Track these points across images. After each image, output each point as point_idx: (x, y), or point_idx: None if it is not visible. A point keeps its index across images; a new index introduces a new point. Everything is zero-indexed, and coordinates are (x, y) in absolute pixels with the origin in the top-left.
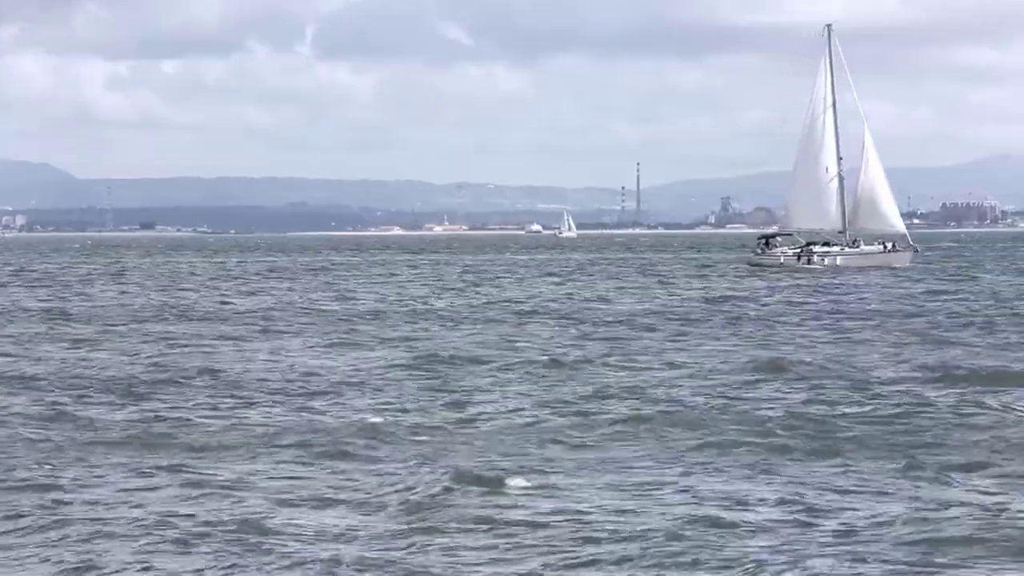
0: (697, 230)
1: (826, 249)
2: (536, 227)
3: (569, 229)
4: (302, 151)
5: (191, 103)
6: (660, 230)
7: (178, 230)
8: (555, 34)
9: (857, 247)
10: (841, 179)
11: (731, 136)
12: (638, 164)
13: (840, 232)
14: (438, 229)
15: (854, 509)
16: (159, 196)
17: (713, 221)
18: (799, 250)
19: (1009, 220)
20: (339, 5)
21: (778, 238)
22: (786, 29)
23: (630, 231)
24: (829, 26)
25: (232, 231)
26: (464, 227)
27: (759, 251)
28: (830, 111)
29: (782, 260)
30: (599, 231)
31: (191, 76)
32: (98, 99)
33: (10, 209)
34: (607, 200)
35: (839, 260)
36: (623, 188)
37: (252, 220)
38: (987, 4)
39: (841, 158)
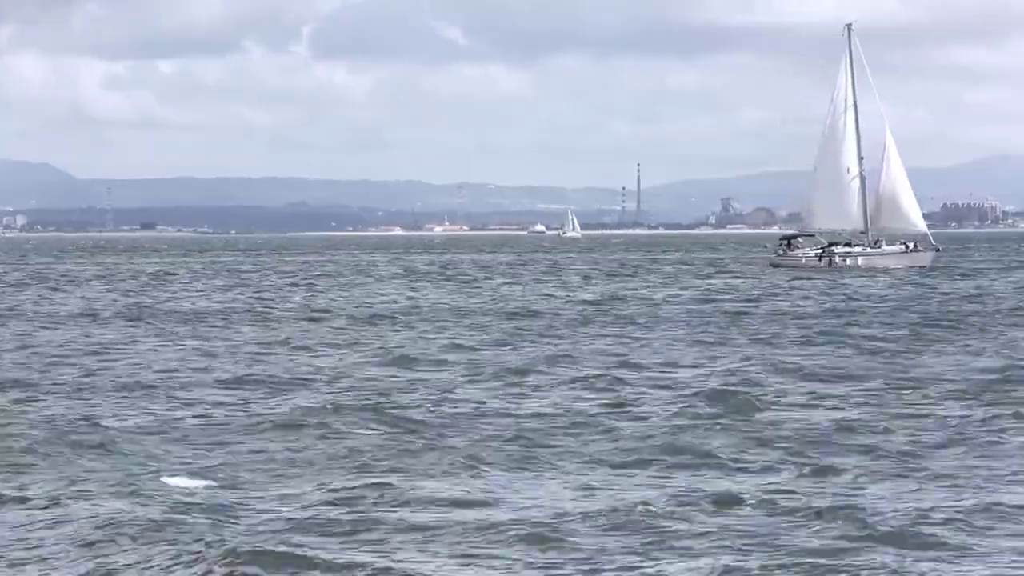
0: (698, 230)
1: (848, 249)
2: (540, 227)
3: (573, 229)
4: (302, 151)
5: (191, 103)
6: (661, 230)
7: (178, 230)
8: (554, 34)
9: (879, 247)
10: (863, 179)
11: (731, 136)
12: (638, 164)
13: (862, 232)
14: (438, 229)
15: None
16: (159, 196)
17: (714, 221)
18: (821, 250)
19: (1010, 220)
20: (337, 5)
21: (800, 238)
22: (786, 30)
23: (631, 231)
24: (849, 25)
25: (232, 231)
26: (465, 227)
27: (780, 251)
28: (851, 111)
29: (803, 260)
30: (599, 231)
31: (191, 76)
32: (98, 99)
33: (10, 209)
34: (607, 200)
35: (861, 260)
36: (623, 188)
37: (252, 220)
38: (986, 4)
39: (863, 158)
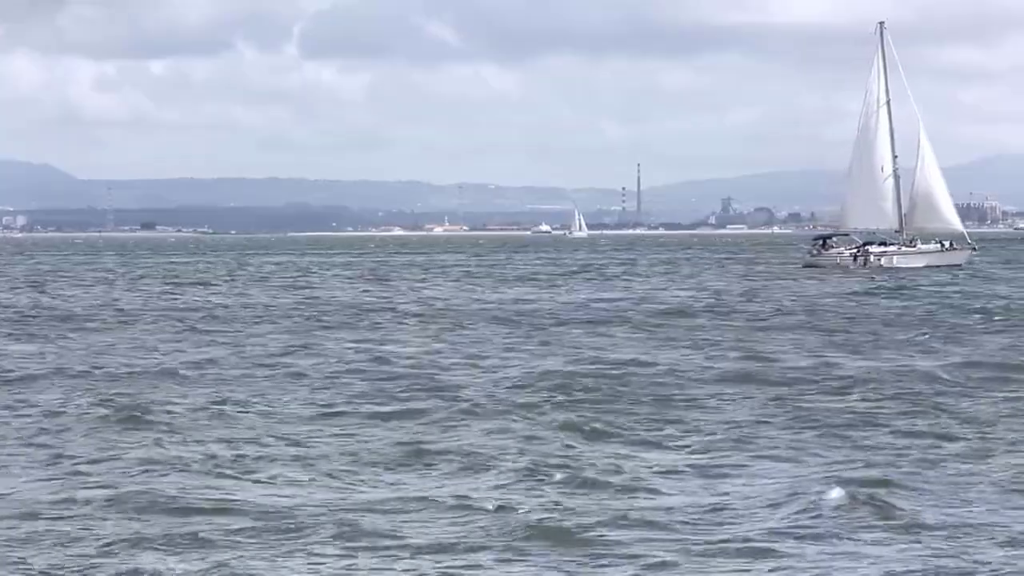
0: (698, 231)
1: (883, 249)
2: (545, 227)
3: (580, 229)
4: (303, 152)
5: (192, 104)
6: (661, 231)
7: (178, 230)
8: (551, 33)
9: (914, 246)
10: (897, 178)
11: (731, 136)
12: (638, 164)
13: (897, 231)
14: (438, 230)
15: None
16: (159, 197)
17: (714, 221)
18: (855, 250)
19: (1009, 220)
20: (327, 4)
21: (834, 238)
22: (785, 30)
23: (632, 231)
24: (882, 23)
25: (233, 231)
26: (465, 227)
27: (815, 252)
28: (884, 109)
29: (838, 261)
30: (600, 231)
31: (193, 77)
32: (99, 100)
33: (11, 209)
34: (607, 201)
35: (896, 260)
36: (623, 188)
37: (253, 220)
38: (982, 3)
39: (896, 156)
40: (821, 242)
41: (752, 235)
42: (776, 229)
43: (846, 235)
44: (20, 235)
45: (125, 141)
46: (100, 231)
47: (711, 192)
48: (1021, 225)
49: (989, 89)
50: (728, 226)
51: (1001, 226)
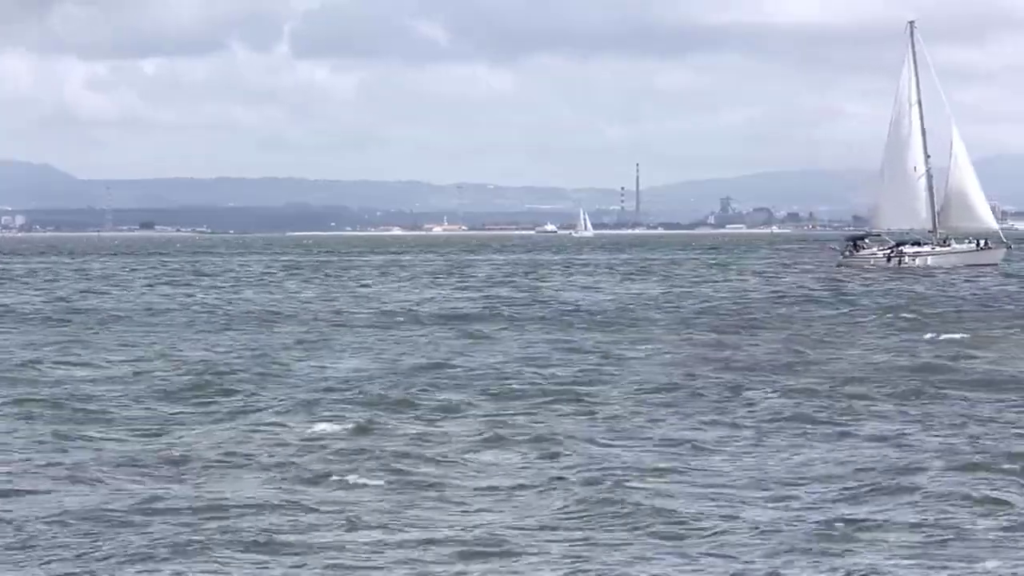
0: (697, 230)
1: (917, 249)
2: (550, 227)
3: (585, 229)
4: (302, 152)
5: (191, 104)
6: (660, 231)
7: (177, 230)
8: (553, 33)
9: (947, 246)
10: (930, 177)
11: (729, 136)
12: (637, 164)
13: (930, 231)
14: (437, 229)
15: None
16: (158, 197)
17: (713, 221)
18: (889, 250)
19: (1008, 221)
20: (327, 4)
21: (867, 239)
22: (784, 29)
23: (631, 231)
24: (912, 23)
25: (231, 231)
26: (464, 227)
27: (848, 252)
28: (915, 109)
29: (871, 261)
30: (599, 231)
31: (190, 77)
32: (99, 100)
33: (10, 209)
34: (607, 201)
35: (930, 260)
36: (622, 188)
37: (252, 220)
38: (982, 3)
39: (929, 156)
40: (853, 243)
41: (751, 235)
42: (775, 229)
43: (878, 235)
44: (19, 235)
45: (124, 141)
46: (99, 231)
47: (710, 192)
48: (1008, 224)
49: (989, 89)
50: (727, 226)
51: (999, 226)
